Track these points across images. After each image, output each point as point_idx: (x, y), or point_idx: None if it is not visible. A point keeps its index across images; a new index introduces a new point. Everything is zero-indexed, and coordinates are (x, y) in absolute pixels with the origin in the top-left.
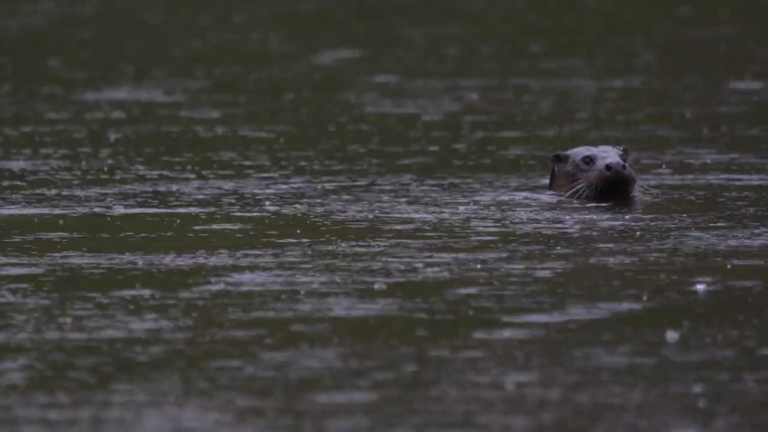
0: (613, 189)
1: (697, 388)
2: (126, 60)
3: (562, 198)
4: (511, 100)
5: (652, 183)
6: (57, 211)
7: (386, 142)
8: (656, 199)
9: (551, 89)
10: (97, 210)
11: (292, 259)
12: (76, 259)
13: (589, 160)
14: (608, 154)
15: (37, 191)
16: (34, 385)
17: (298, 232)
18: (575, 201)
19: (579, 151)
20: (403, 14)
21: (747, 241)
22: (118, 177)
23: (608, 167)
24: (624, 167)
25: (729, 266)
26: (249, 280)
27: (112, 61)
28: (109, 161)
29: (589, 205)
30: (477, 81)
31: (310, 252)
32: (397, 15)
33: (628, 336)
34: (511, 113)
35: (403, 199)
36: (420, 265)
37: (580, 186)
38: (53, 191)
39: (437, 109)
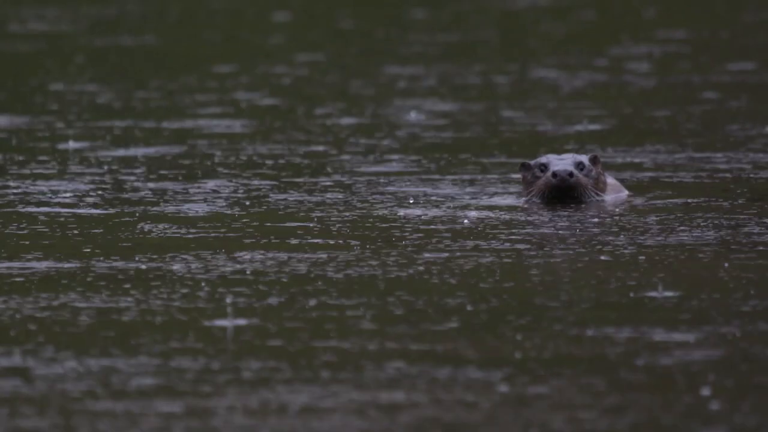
0: (561, 195)
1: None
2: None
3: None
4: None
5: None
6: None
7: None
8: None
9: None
10: (77, 209)
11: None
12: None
13: (544, 167)
14: (562, 162)
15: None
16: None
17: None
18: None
19: (539, 159)
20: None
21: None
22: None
23: (554, 174)
24: (571, 174)
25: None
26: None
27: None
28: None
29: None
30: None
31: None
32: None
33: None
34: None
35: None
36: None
37: (532, 193)
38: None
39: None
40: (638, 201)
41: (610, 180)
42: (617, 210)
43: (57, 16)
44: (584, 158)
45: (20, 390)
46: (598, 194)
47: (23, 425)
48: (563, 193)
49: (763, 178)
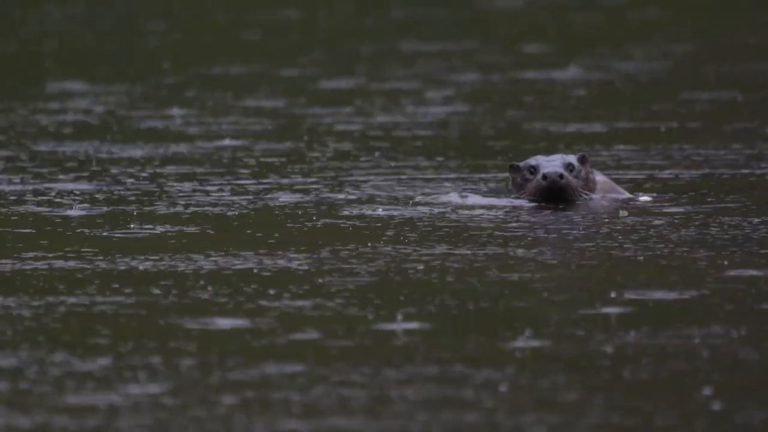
0: (551, 198)
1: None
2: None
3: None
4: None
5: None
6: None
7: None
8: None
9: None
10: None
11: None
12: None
13: (534, 170)
14: (551, 163)
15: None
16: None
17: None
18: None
19: (528, 161)
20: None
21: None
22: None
23: (544, 177)
24: (561, 176)
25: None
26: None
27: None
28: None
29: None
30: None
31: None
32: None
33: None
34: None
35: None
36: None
37: (522, 196)
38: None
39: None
40: (636, 201)
41: (600, 178)
42: (612, 210)
43: (56, 15)
44: (573, 158)
45: (17, 390)
46: (587, 194)
47: (20, 424)
48: (554, 195)
49: (759, 176)
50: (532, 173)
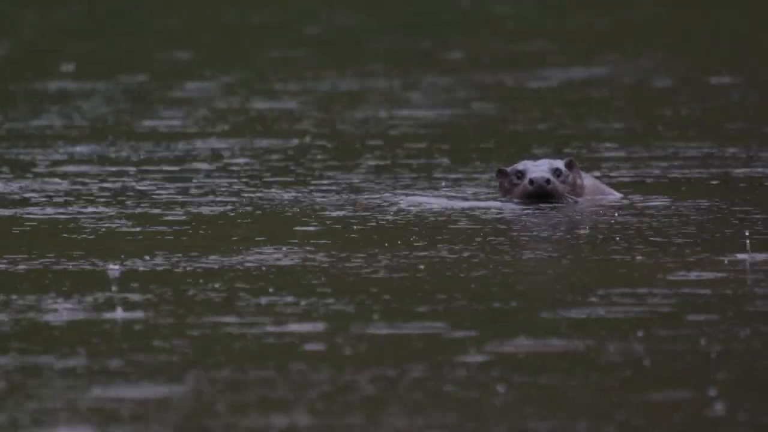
0: (538, 202)
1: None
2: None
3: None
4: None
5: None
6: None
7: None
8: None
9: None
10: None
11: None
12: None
13: (521, 175)
14: (538, 169)
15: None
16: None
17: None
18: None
19: (515, 166)
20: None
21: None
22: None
23: (531, 182)
24: (548, 181)
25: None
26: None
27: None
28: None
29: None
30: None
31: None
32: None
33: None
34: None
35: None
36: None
37: (510, 201)
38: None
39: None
40: (630, 202)
41: (589, 181)
42: (605, 211)
43: (58, 15)
44: (560, 163)
45: (18, 390)
46: (574, 199)
47: (22, 425)
48: (541, 200)
49: (759, 176)
50: (519, 178)
